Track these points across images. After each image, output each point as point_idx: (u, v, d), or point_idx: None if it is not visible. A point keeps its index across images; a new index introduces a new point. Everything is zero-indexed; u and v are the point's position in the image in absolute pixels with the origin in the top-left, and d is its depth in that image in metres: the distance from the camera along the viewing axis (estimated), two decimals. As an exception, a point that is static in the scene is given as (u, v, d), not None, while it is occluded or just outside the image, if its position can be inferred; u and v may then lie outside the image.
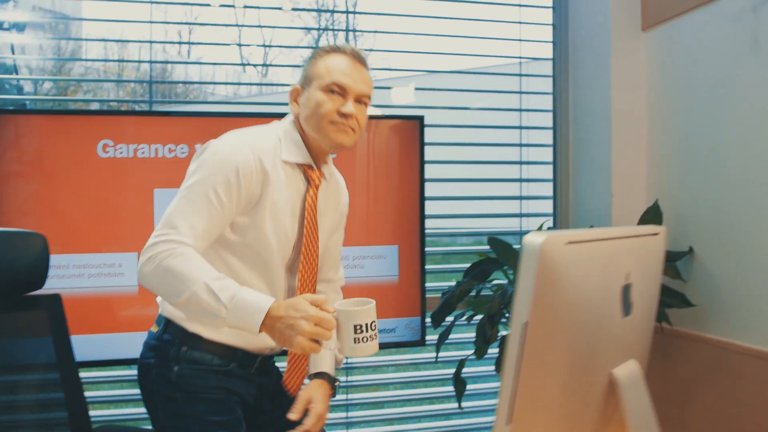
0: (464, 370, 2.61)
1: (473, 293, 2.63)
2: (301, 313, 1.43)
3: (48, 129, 2.24)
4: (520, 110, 3.09)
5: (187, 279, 1.50)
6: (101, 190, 2.27)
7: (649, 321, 1.22)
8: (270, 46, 2.99)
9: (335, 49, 1.79)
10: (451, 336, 2.65)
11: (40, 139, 2.23)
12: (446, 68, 3.17)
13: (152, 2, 2.72)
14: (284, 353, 1.90)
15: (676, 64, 2.75)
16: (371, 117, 2.45)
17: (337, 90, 1.73)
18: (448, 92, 3.04)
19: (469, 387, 2.67)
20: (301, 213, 1.76)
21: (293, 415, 1.71)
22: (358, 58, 1.79)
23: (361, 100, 1.75)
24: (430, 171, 2.70)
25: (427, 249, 2.71)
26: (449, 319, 2.62)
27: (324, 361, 1.88)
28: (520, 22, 3.08)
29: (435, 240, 3.39)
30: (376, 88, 1.89)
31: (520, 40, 3.08)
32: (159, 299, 1.79)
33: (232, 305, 1.46)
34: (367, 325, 1.44)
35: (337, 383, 1.88)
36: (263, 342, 1.77)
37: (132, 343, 2.01)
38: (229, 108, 3.07)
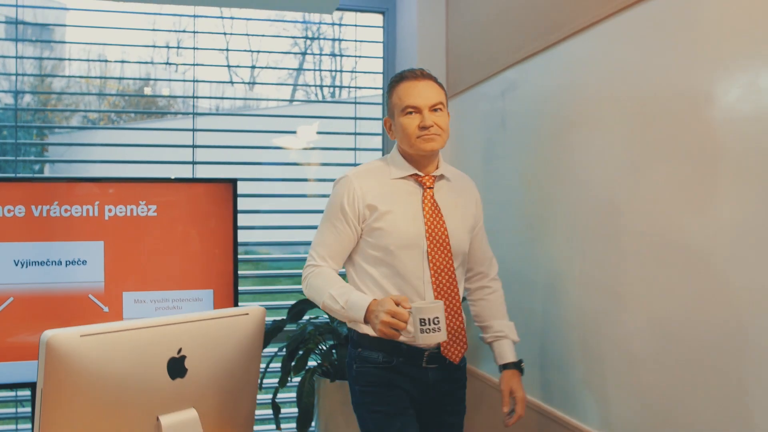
0: (279, 395, 3.04)
1: (295, 328, 3.07)
2: (382, 308, 1.88)
3: None
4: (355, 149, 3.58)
5: (321, 291, 2.08)
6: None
7: (231, 378, 1.60)
8: (258, 51, 3.28)
9: (402, 78, 2.18)
10: (272, 365, 3.09)
11: None
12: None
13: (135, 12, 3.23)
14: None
15: (464, 128, 3.18)
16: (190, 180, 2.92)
17: (413, 110, 2.12)
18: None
19: (284, 411, 3.10)
20: (422, 208, 2.16)
21: (506, 408, 2.18)
22: (421, 76, 2.17)
23: (436, 107, 2.12)
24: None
25: (244, 288, 3.19)
26: (269, 350, 3.06)
27: (507, 352, 2.26)
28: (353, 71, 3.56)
29: (257, 279, 3.82)
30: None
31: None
32: None
33: (347, 306, 1.99)
34: (430, 319, 1.82)
35: (522, 364, 2.26)
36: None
37: None
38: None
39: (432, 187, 2.18)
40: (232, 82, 4.08)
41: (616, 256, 2.09)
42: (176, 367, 1.48)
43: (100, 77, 3.93)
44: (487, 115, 2.92)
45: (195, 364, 1.51)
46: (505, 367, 2.25)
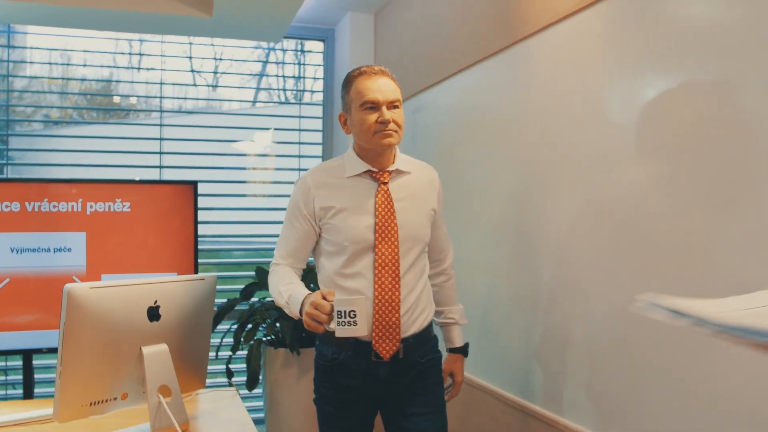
0: (232, 364, 3.67)
1: (246, 306, 3.70)
2: (308, 300, 1.95)
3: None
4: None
5: (273, 288, 2.18)
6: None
7: (192, 323, 2.23)
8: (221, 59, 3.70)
9: (361, 73, 2.16)
10: (226, 340, 3.71)
11: None
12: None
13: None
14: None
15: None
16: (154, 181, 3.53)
17: (371, 105, 2.11)
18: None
19: (237, 378, 3.73)
20: (374, 203, 2.15)
21: (446, 383, 2.31)
22: (380, 73, 2.16)
23: (394, 104, 2.12)
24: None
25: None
26: (222, 327, 3.68)
27: (454, 338, 2.39)
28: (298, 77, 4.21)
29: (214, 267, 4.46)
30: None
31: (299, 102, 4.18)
32: None
33: (290, 301, 2.06)
34: (346, 312, 1.84)
35: (468, 348, 2.39)
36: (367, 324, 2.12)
37: None
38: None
39: (387, 182, 2.17)
40: (195, 84, 4.61)
41: (510, 252, 2.78)
42: (153, 314, 2.11)
43: (62, 77, 4.38)
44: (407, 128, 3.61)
45: (166, 312, 2.14)
46: (450, 350, 2.39)
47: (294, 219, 2.22)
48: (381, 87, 2.11)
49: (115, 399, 2.07)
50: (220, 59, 4.61)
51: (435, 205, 2.27)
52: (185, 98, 4.59)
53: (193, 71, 4.49)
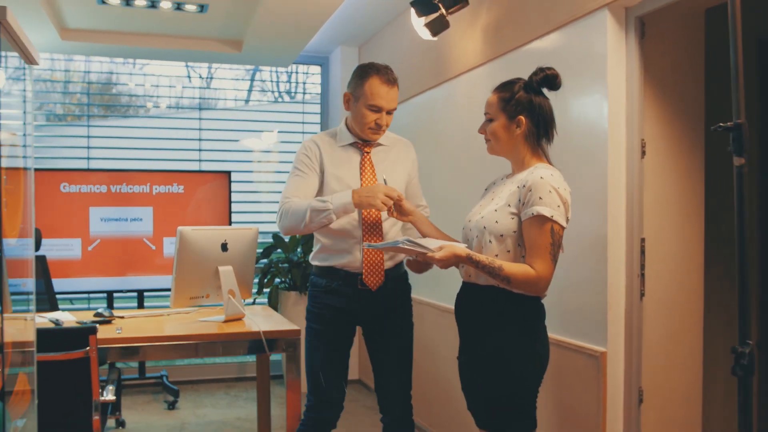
0: (257, 301, 5.09)
1: (266, 261, 5.14)
2: (376, 187, 2.43)
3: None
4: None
5: (302, 207, 2.50)
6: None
7: (245, 256, 3.65)
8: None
9: (380, 75, 2.53)
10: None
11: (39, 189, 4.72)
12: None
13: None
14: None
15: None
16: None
17: (376, 108, 2.54)
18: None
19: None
20: (359, 167, 2.63)
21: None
22: (394, 84, 2.56)
23: (390, 111, 2.57)
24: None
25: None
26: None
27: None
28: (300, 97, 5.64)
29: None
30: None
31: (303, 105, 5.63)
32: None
33: (332, 200, 2.45)
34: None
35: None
36: (356, 260, 2.60)
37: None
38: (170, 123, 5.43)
39: (369, 152, 2.65)
40: (235, 89, 6.00)
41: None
42: (224, 247, 3.54)
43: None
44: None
45: (231, 247, 3.56)
46: None
47: (304, 168, 2.64)
48: (389, 96, 2.54)
49: (202, 297, 3.50)
50: (253, 79, 6.06)
51: (409, 169, 2.76)
52: (223, 99, 6.00)
53: (234, 80, 5.92)
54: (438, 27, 3.42)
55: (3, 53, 1.53)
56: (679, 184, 2.68)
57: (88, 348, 2.70)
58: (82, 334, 2.69)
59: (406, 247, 2.05)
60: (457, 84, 3.84)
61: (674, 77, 2.65)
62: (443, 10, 3.35)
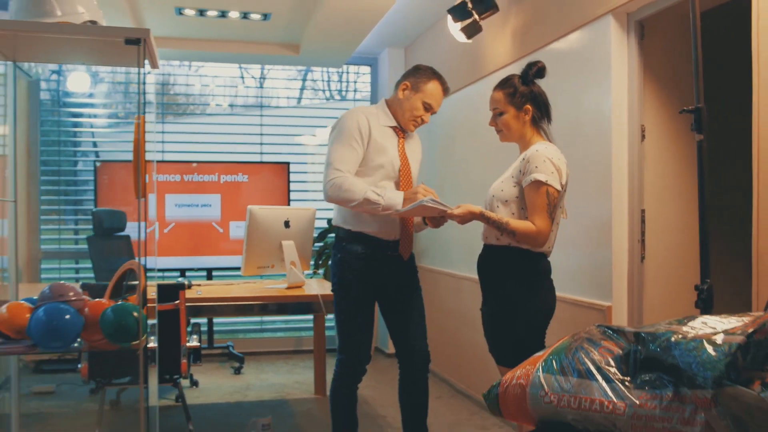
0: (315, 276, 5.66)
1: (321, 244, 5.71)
2: (417, 187, 2.69)
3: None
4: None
5: (358, 189, 2.70)
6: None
7: (304, 232, 4.19)
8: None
9: (440, 83, 2.91)
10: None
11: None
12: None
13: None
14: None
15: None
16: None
17: (428, 106, 2.89)
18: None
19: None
20: (398, 153, 2.92)
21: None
22: (446, 90, 2.95)
23: (435, 112, 2.94)
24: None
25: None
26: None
27: None
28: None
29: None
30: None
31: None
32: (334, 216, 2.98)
33: (385, 197, 2.69)
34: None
35: None
36: (392, 230, 2.88)
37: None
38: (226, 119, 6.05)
39: (404, 138, 2.98)
40: (291, 89, 6.58)
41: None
42: (287, 224, 4.10)
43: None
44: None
45: (292, 224, 4.13)
46: None
47: (352, 140, 2.82)
48: (440, 101, 2.95)
49: (268, 267, 4.06)
50: (305, 79, 6.64)
51: (420, 158, 3.15)
52: (276, 97, 6.58)
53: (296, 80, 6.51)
54: (472, 31, 3.91)
55: (145, 69, 2.07)
56: (674, 164, 3.11)
57: (177, 301, 3.28)
58: (174, 290, 3.27)
59: (430, 205, 2.51)
60: (491, 81, 4.29)
61: (670, 72, 3.08)
62: (476, 16, 3.83)
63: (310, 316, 5.09)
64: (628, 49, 3.03)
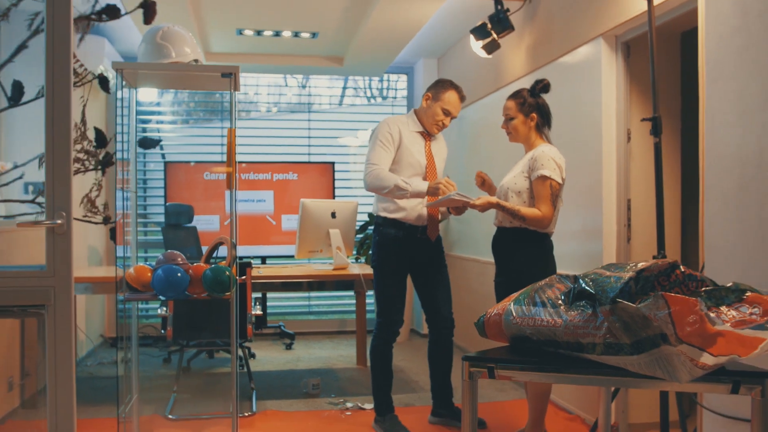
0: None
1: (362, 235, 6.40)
2: (439, 179, 3.33)
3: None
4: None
5: (389, 179, 3.37)
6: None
7: (348, 222, 4.87)
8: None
9: (457, 92, 3.51)
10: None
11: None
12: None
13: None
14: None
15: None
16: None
17: (447, 112, 3.51)
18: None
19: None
20: (424, 153, 3.56)
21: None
22: (463, 98, 3.54)
23: (454, 117, 3.56)
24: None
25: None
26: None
27: None
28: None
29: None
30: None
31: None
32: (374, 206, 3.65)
33: (411, 185, 3.33)
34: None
35: None
36: (421, 217, 3.53)
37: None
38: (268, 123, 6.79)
39: (429, 141, 3.58)
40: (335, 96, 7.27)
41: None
42: (333, 215, 4.78)
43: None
44: (451, 130, 6.19)
45: (338, 214, 4.81)
46: None
47: (386, 142, 3.46)
48: (458, 107, 3.55)
49: (317, 251, 4.75)
50: (345, 87, 7.35)
51: (445, 156, 3.76)
52: (318, 102, 7.29)
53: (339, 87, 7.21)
54: (491, 48, 4.55)
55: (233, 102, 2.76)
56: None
57: (245, 276, 4.00)
58: (242, 267, 3.99)
59: (456, 197, 3.16)
60: (509, 90, 4.93)
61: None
62: (495, 35, 4.47)
63: (353, 300, 5.79)
64: (616, 66, 3.64)
